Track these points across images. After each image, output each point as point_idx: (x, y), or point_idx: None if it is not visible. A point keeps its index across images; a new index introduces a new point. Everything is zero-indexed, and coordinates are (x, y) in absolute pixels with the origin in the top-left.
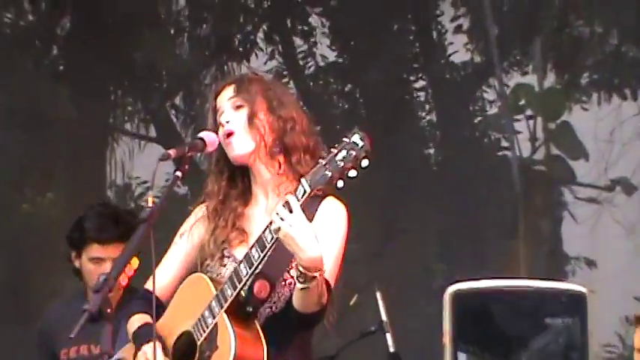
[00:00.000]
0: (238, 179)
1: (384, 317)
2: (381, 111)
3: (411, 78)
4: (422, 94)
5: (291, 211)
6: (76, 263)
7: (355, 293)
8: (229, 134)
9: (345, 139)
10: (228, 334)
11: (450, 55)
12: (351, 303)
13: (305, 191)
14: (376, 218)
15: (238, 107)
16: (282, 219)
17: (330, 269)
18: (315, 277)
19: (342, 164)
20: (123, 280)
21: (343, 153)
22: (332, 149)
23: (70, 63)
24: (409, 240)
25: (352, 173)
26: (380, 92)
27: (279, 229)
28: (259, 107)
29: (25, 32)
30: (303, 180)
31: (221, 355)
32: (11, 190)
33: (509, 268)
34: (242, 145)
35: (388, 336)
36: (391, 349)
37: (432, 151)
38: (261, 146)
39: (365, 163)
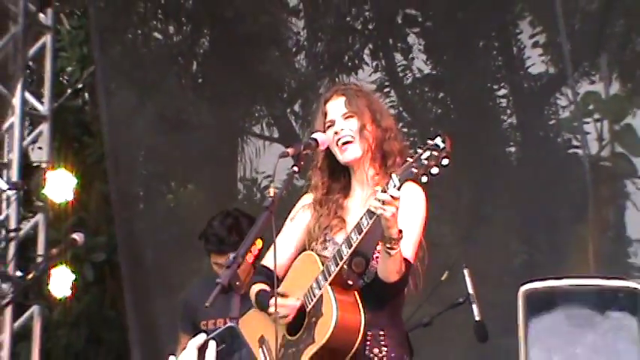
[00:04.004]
0: (340, 175)
1: (470, 291)
2: (468, 115)
3: (495, 87)
4: (504, 100)
5: (384, 202)
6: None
7: (446, 270)
8: (347, 142)
9: (429, 141)
10: (331, 303)
11: (528, 67)
12: (443, 278)
13: (395, 185)
14: (465, 207)
15: (348, 117)
16: (383, 204)
17: (410, 249)
18: (398, 244)
19: (426, 162)
20: (249, 259)
21: (427, 153)
22: (418, 150)
23: (207, 76)
24: (493, 225)
25: (434, 170)
26: (468, 99)
27: (384, 210)
28: (366, 119)
29: (170, 50)
30: (393, 175)
31: (325, 320)
32: (159, 183)
33: (579, 250)
34: (355, 152)
35: (474, 306)
36: (477, 318)
37: (512, 149)
38: (368, 153)
39: (445, 161)
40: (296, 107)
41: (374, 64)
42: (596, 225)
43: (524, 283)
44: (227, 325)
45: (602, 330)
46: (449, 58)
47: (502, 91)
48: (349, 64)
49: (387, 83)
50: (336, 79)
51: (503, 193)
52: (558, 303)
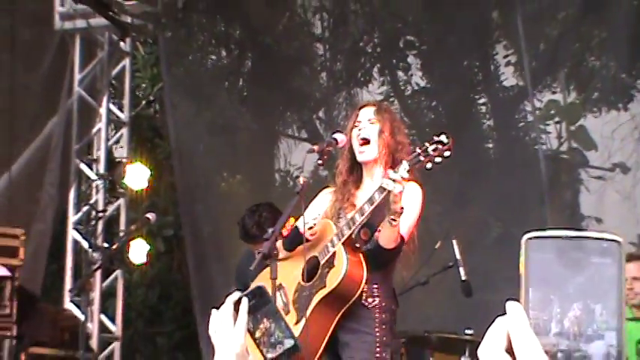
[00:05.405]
0: (355, 169)
1: (458, 256)
2: (456, 119)
3: (476, 97)
4: (483, 107)
5: (394, 180)
6: None
7: (439, 240)
8: (365, 139)
9: (435, 137)
10: (342, 258)
11: (502, 81)
12: (436, 247)
13: (405, 168)
14: (453, 190)
15: (372, 122)
16: (394, 182)
17: (405, 229)
18: (399, 218)
19: (431, 153)
20: (284, 232)
21: (433, 146)
22: (426, 143)
23: (251, 91)
24: (475, 205)
25: (438, 160)
26: (455, 106)
27: (394, 187)
28: (386, 128)
29: (221, 70)
30: (404, 162)
31: (336, 270)
32: (214, 174)
33: (542, 225)
34: (372, 154)
35: (461, 269)
36: (463, 278)
37: (490, 145)
38: (381, 155)
39: (447, 153)
40: (320, 113)
41: (381, 79)
42: (556, 205)
43: (527, 232)
44: (257, 285)
45: (590, 273)
46: (440, 74)
47: (482, 100)
48: (362, 79)
49: (391, 94)
50: (352, 92)
51: (483, 180)
52: (553, 249)
